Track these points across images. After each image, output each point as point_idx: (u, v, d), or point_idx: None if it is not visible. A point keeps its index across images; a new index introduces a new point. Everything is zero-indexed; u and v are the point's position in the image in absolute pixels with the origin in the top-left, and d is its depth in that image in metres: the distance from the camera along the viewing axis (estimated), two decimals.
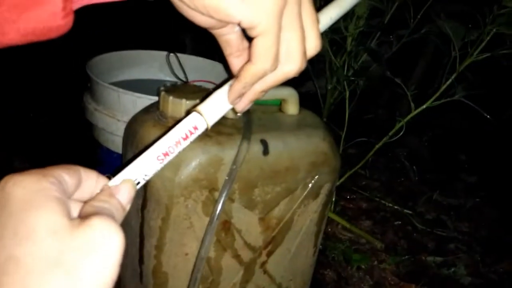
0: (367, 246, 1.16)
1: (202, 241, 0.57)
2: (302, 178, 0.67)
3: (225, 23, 0.30)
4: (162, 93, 0.60)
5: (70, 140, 1.28)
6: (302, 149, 0.66)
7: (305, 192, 0.69)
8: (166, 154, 0.31)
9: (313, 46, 0.31)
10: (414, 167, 1.54)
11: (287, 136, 0.66)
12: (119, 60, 0.98)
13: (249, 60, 0.30)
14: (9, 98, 1.33)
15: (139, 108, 0.70)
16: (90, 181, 0.28)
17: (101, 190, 0.28)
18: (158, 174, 0.32)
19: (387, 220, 1.30)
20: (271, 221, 0.67)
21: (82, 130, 0.94)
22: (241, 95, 0.33)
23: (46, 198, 0.23)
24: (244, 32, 0.31)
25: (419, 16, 1.17)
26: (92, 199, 0.27)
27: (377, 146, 1.12)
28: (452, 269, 1.13)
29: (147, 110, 0.66)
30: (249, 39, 0.30)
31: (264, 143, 0.62)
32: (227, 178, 0.56)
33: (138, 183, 0.31)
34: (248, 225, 0.65)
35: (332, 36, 1.13)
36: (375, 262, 1.10)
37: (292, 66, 0.30)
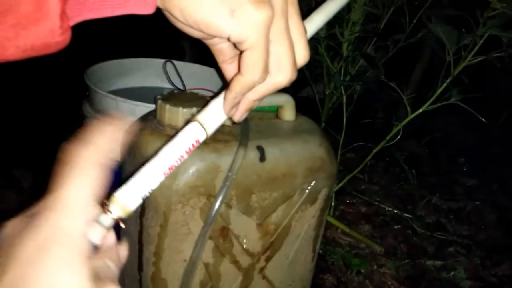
0: (366, 250, 1.16)
1: (195, 245, 0.57)
2: (299, 183, 0.68)
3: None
4: (159, 101, 0.61)
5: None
6: (299, 155, 0.67)
7: (303, 198, 0.69)
8: (171, 168, 0.32)
9: (302, 56, 0.32)
10: (413, 170, 1.55)
11: (284, 142, 0.66)
12: (117, 68, 0.99)
13: (239, 71, 0.31)
14: (8, 108, 1.34)
15: (137, 116, 0.70)
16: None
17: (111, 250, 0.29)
18: None
19: (387, 224, 1.30)
20: (269, 227, 0.68)
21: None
22: (235, 105, 0.34)
23: (77, 259, 0.24)
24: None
25: (414, 21, 1.18)
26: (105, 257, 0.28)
27: (374, 151, 1.13)
28: (452, 273, 1.13)
29: (145, 118, 0.67)
30: None
31: (260, 150, 0.63)
32: (222, 184, 0.57)
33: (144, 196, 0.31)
34: (246, 231, 0.65)
35: (328, 42, 1.14)
36: (375, 267, 1.10)
37: (282, 76, 0.32)
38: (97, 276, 0.26)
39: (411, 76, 1.66)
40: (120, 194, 0.29)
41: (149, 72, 1.03)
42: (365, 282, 1.05)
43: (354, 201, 1.38)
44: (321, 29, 1.18)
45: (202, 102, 0.63)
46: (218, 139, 0.60)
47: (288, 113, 0.72)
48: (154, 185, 0.31)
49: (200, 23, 0.28)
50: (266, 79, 0.32)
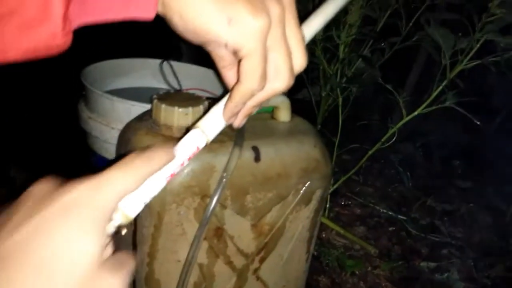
0: (361, 252, 1.16)
1: (191, 247, 0.58)
2: (293, 184, 0.68)
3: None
4: (155, 101, 0.61)
5: (65, 148, 1.28)
6: (294, 155, 0.67)
7: (297, 198, 0.70)
8: (173, 175, 0.33)
9: (299, 63, 0.33)
10: (408, 173, 1.56)
11: (279, 143, 0.66)
12: (113, 69, 0.99)
13: (238, 80, 0.32)
14: (3, 106, 1.33)
15: (133, 116, 0.70)
16: None
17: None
18: None
19: (381, 226, 1.30)
20: (264, 228, 0.68)
21: (76, 138, 0.94)
22: (235, 114, 0.35)
23: (100, 224, 0.26)
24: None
25: (411, 24, 1.19)
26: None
27: (369, 153, 1.13)
28: (446, 275, 1.13)
29: (141, 118, 0.67)
30: None
31: (255, 150, 0.63)
32: (217, 184, 0.57)
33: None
34: (241, 231, 0.66)
35: (325, 44, 1.14)
36: (369, 268, 1.10)
37: (280, 83, 0.33)
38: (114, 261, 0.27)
39: (407, 79, 1.66)
40: (123, 201, 0.29)
41: (145, 72, 1.03)
42: (359, 284, 1.05)
43: (349, 202, 1.38)
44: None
45: (198, 102, 0.63)
46: (213, 139, 0.61)
47: (284, 114, 0.72)
48: (156, 191, 0.32)
49: (199, 30, 0.29)
50: (264, 86, 0.32)
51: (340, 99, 1.19)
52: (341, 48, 1.15)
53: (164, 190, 0.58)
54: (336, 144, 1.20)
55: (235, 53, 0.30)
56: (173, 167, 0.32)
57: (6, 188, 1.11)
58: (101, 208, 0.26)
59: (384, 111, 1.61)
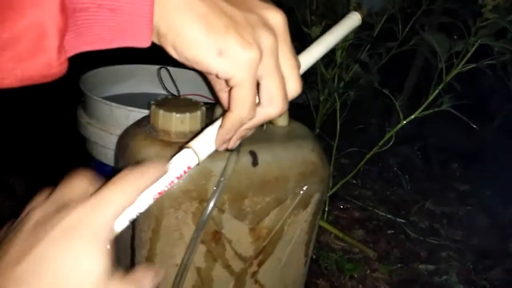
0: (360, 255, 1.16)
1: (187, 249, 0.58)
2: (291, 188, 0.68)
3: None
4: (153, 106, 0.62)
5: (64, 154, 1.29)
6: (291, 159, 0.68)
7: (295, 202, 0.70)
8: (161, 193, 0.33)
9: (293, 89, 0.34)
10: (406, 176, 1.56)
11: (276, 147, 0.67)
12: (112, 75, 0.99)
13: (228, 108, 0.33)
14: (3, 114, 1.34)
15: (131, 122, 0.71)
16: None
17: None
18: None
19: (380, 229, 1.31)
20: (262, 231, 0.68)
21: (75, 143, 0.95)
22: (226, 140, 0.36)
23: (102, 246, 0.27)
24: None
25: (407, 29, 1.20)
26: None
27: (367, 156, 1.14)
28: (444, 277, 1.13)
29: (139, 123, 0.67)
30: None
31: (253, 155, 0.64)
32: (214, 189, 0.57)
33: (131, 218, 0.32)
34: (239, 235, 0.66)
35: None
36: (368, 271, 1.11)
37: (273, 109, 0.34)
38: (127, 277, 0.28)
39: (405, 83, 1.67)
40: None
41: (143, 78, 1.04)
42: (358, 287, 1.05)
43: (348, 206, 1.38)
44: (315, 36, 1.20)
45: (195, 107, 0.63)
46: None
47: (281, 119, 0.73)
48: (143, 208, 0.32)
49: (191, 60, 0.30)
50: (254, 114, 0.33)
51: (338, 104, 1.20)
52: (338, 53, 1.16)
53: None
54: (335, 147, 1.20)
55: (227, 81, 0.32)
56: (162, 185, 0.33)
57: (5, 195, 1.11)
58: (101, 227, 0.27)
59: (382, 115, 1.62)
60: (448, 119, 1.44)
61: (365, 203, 1.41)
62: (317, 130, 1.29)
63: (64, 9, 0.25)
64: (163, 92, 0.98)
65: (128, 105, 0.80)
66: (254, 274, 0.71)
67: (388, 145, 1.11)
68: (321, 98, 1.28)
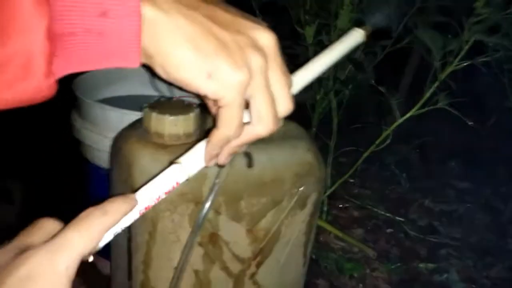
0: (359, 254, 1.16)
1: (182, 252, 0.57)
2: (287, 189, 0.68)
3: None
4: (146, 109, 0.61)
5: (59, 158, 1.28)
6: (287, 160, 0.67)
7: (292, 203, 0.70)
8: (147, 208, 0.33)
9: (283, 108, 0.34)
10: (404, 174, 1.56)
11: (271, 148, 0.67)
12: (104, 77, 0.99)
13: (216, 125, 0.33)
14: None
15: (125, 124, 0.70)
16: None
17: None
18: None
19: (379, 228, 1.30)
20: (259, 233, 0.68)
21: (70, 147, 0.95)
22: (214, 156, 0.36)
23: None
24: None
25: (401, 27, 1.20)
26: None
27: (364, 155, 1.14)
28: (445, 275, 1.13)
29: (132, 126, 0.67)
30: None
31: (248, 156, 0.63)
32: (209, 191, 0.57)
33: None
34: (236, 237, 0.65)
35: (316, 48, 1.15)
36: (368, 271, 1.10)
37: (262, 128, 0.34)
38: None
39: (401, 81, 1.67)
40: None
41: (136, 80, 1.04)
42: (358, 286, 1.05)
43: (347, 205, 1.38)
44: (309, 36, 1.20)
45: (188, 109, 0.63)
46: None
47: None
48: (128, 223, 0.32)
49: (180, 82, 0.31)
50: (241, 133, 0.34)
51: (334, 102, 1.20)
52: None
53: None
54: (332, 147, 1.20)
55: (215, 101, 0.32)
56: (148, 201, 0.33)
57: (2, 200, 1.11)
58: (62, 272, 0.27)
59: (378, 114, 1.62)
60: (445, 117, 1.43)
61: (364, 202, 1.40)
62: (314, 129, 1.29)
63: (50, 36, 0.25)
64: (157, 94, 0.97)
65: (122, 108, 0.80)
66: (252, 275, 0.70)
67: (385, 143, 1.11)
68: (317, 98, 1.28)
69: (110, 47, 0.28)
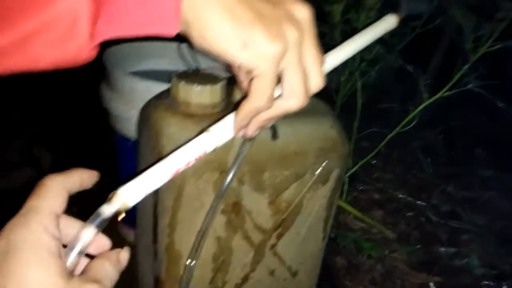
0: (378, 236, 1.16)
1: (205, 218, 0.59)
2: (310, 163, 0.68)
3: None
4: (174, 79, 0.63)
5: (88, 127, 1.31)
6: (311, 134, 0.68)
7: (314, 177, 0.70)
8: (177, 172, 0.34)
9: (315, 84, 0.34)
10: (428, 159, 1.54)
11: (296, 122, 0.67)
12: (134, 51, 1.01)
13: (247, 96, 0.34)
14: (28, 88, 1.37)
15: (153, 96, 0.72)
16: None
17: (107, 257, 0.31)
18: None
19: (400, 211, 1.30)
20: (281, 205, 0.69)
21: (99, 117, 0.97)
22: (243, 127, 0.37)
23: (46, 256, 0.27)
24: None
25: (433, 7, 1.17)
26: (99, 260, 0.31)
27: (389, 136, 1.13)
28: (465, 260, 1.12)
29: (160, 96, 0.69)
30: None
31: (273, 128, 0.64)
32: (234, 160, 0.58)
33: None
34: (258, 207, 0.67)
35: (343, 27, 1.13)
36: (387, 252, 1.10)
37: (293, 102, 0.34)
38: (85, 274, 0.29)
39: (430, 64, 1.63)
40: (123, 190, 0.31)
41: (165, 55, 1.05)
42: (376, 266, 1.05)
43: (368, 188, 1.38)
44: (336, 14, 1.18)
45: (216, 80, 0.64)
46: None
47: None
48: (157, 185, 0.33)
49: (216, 51, 0.31)
50: (271, 106, 0.34)
51: (359, 83, 1.18)
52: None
53: None
54: (355, 128, 1.19)
55: (248, 72, 0.32)
56: (179, 165, 0.34)
57: (30, 167, 1.14)
58: (41, 233, 0.28)
59: (405, 97, 1.59)
60: (474, 102, 1.40)
61: (385, 185, 1.39)
62: (337, 111, 1.28)
63: None
64: (184, 68, 0.98)
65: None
66: (273, 246, 0.72)
67: (411, 125, 1.10)
68: (342, 79, 1.27)
69: (151, 12, 0.29)
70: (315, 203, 0.73)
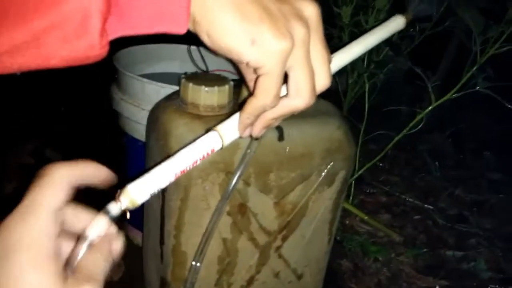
0: (385, 239, 1.16)
1: (210, 219, 0.60)
2: (317, 164, 0.69)
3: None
4: (183, 80, 0.63)
5: (98, 129, 1.33)
6: (317, 135, 0.68)
7: (320, 179, 0.71)
8: (183, 171, 0.34)
9: (322, 83, 0.34)
10: (436, 162, 1.53)
11: (302, 123, 0.67)
12: (143, 54, 1.02)
13: (253, 93, 0.34)
14: (40, 88, 1.40)
15: (162, 97, 0.73)
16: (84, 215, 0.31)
17: (100, 247, 0.30)
18: None
19: (407, 214, 1.29)
20: (286, 206, 0.69)
21: (109, 119, 0.98)
22: (248, 125, 0.36)
23: (43, 258, 0.26)
24: None
25: (442, 9, 1.16)
26: (92, 252, 0.30)
27: (396, 138, 1.12)
28: (472, 264, 1.11)
29: (169, 97, 0.69)
30: None
31: (279, 130, 0.64)
32: (240, 161, 0.59)
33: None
34: (264, 209, 0.67)
35: (352, 29, 1.13)
36: (393, 255, 1.10)
37: (300, 101, 0.34)
38: (79, 274, 0.28)
39: (439, 66, 1.63)
40: (132, 188, 0.31)
41: (174, 57, 1.06)
42: (382, 269, 1.05)
43: (374, 191, 1.37)
44: (345, 16, 1.18)
45: (224, 82, 0.65)
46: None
47: None
48: (164, 184, 0.33)
49: (224, 48, 0.31)
50: (277, 104, 0.34)
51: (367, 85, 1.18)
52: None
53: None
54: (362, 130, 1.19)
55: (255, 69, 0.32)
56: (185, 164, 0.34)
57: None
58: (41, 232, 0.27)
59: (413, 100, 1.59)
60: (482, 105, 1.39)
61: (392, 188, 1.39)
62: (345, 113, 1.28)
63: None
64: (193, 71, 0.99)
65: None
66: (278, 248, 0.72)
67: (418, 127, 1.09)
68: (350, 81, 1.27)
69: (161, 9, 0.30)
70: (321, 205, 0.73)
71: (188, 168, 0.35)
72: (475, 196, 1.43)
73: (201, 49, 1.00)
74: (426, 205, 1.34)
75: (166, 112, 0.64)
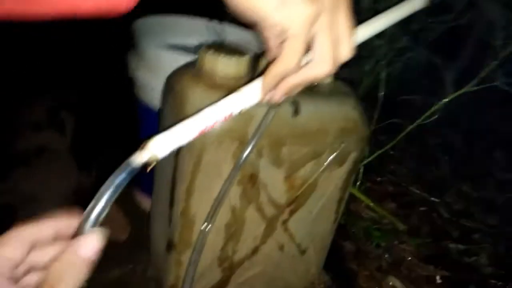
0: (389, 226, 1.16)
1: (222, 187, 0.61)
2: (330, 142, 0.69)
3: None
4: (201, 49, 0.64)
5: (113, 95, 1.33)
6: (333, 114, 0.68)
7: (332, 157, 0.71)
8: (202, 132, 0.35)
9: (345, 53, 0.35)
10: (446, 157, 1.52)
11: (319, 100, 0.68)
12: (163, 25, 1.02)
13: (277, 57, 0.34)
14: (55, 54, 1.40)
15: (179, 66, 0.73)
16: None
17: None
18: None
19: (413, 205, 1.29)
20: (296, 181, 0.70)
21: (124, 87, 0.99)
22: (270, 89, 0.36)
23: None
24: None
25: (465, 1, 1.14)
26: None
27: (409, 128, 1.12)
28: (474, 258, 1.12)
29: (186, 66, 0.70)
30: None
31: (295, 104, 0.65)
32: (254, 132, 0.59)
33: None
34: (274, 181, 0.68)
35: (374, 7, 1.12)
36: (396, 242, 1.11)
37: (322, 67, 0.34)
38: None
39: (458, 59, 1.61)
40: (153, 143, 0.32)
41: (194, 31, 1.06)
42: (384, 255, 1.06)
43: (382, 180, 1.37)
44: (364, 2, 1.17)
45: (242, 53, 0.65)
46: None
47: None
48: (185, 141, 0.34)
49: (251, 9, 0.31)
50: (299, 70, 0.34)
51: (383, 73, 1.18)
52: None
53: None
54: (375, 118, 1.19)
55: (281, 33, 0.32)
56: (206, 123, 0.35)
57: (55, 130, 1.17)
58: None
59: (429, 92, 1.57)
60: (499, 103, 1.37)
61: (400, 179, 1.39)
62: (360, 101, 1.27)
63: None
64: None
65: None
66: (285, 221, 0.73)
67: (431, 119, 1.09)
68: (367, 68, 1.26)
69: None
70: (330, 184, 0.74)
71: (208, 128, 0.36)
72: (482, 193, 1.42)
73: (221, 24, 1.00)
74: (432, 198, 1.34)
75: (183, 79, 0.65)
